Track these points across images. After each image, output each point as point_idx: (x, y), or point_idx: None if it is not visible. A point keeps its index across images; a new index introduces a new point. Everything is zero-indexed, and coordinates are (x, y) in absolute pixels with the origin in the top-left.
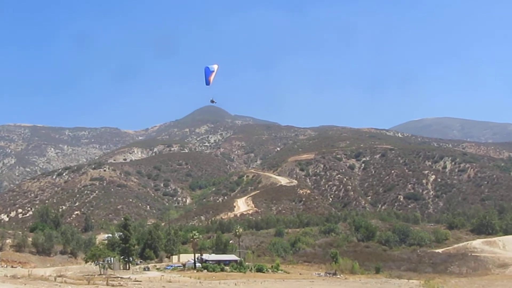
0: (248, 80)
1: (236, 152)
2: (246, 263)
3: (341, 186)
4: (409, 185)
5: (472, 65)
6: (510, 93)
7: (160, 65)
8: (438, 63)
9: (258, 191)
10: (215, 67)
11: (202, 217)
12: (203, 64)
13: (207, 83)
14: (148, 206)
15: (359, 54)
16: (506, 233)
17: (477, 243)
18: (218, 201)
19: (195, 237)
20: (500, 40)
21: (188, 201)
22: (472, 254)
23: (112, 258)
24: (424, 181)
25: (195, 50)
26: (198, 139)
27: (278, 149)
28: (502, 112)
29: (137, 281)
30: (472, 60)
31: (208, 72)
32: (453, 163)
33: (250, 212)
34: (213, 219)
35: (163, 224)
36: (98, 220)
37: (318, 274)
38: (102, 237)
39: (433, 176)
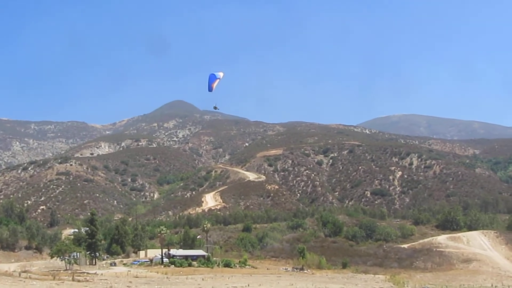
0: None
1: (205, 147)
2: (214, 258)
3: (309, 181)
4: (376, 181)
5: (437, 63)
6: (475, 91)
7: (129, 58)
8: (405, 60)
9: (226, 186)
10: (221, 74)
11: (170, 212)
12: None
13: (210, 89)
14: (115, 201)
15: (327, 50)
16: (470, 229)
17: (442, 239)
18: (186, 196)
19: (162, 232)
20: (464, 40)
21: (155, 196)
22: (437, 249)
23: (78, 253)
24: (390, 177)
25: (166, 44)
26: (166, 134)
27: (247, 144)
28: (468, 110)
29: (103, 277)
30: (437, 58)
31: (212, 78)
32: (419, 159)
33: (218, 207)
34: (181, 214)
35: (130, 219)
36: (64, 215)
37: (285, 269)
38: (68, 232)
39: (400, 172)
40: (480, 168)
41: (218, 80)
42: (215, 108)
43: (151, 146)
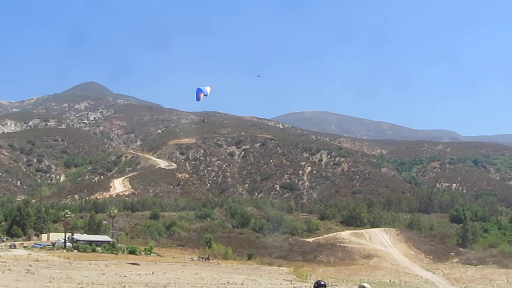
0: (135, 59)
1: (116, 131)
2: (119, 245)
3: (220, 172)
4: (286, 175)
5: (349, 63)
6: (386, 92)
7: (38, 33)
8: (321, 58)
9: (136, 173)
10: (208, 90)
11: (76, 196)
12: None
13: (197, 99)
14: (18, 182)
15: (247, 39)
16: (373, 226)
17: (346, 234)
18: (94, 180)
19: (67, 215)
20: (380, 42)
21: (62, 178)
22: (341, 244)
23: None
24: (300, 172)
25: (83, 27)
26: (77, 115)
27: (159, 131)
28: (377, 111)
29: (1, 259)
30: (350, 58)
31: (199, 92)
32: (329, 156)
33: (127, 193)
34: (87, 198)
35: (34, 201)
36: None
37: (191, 258)
38: None
39: (309, 168)
40: (386, 167)
41: (202, 94)
42: (203, 121)
43: (60, 127)
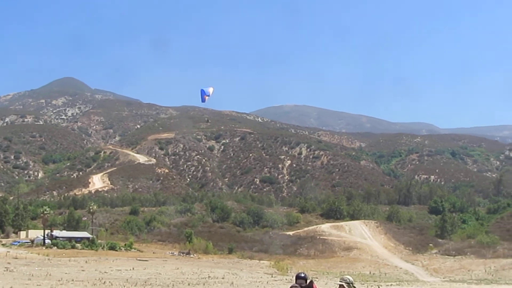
0: (109, 54)
1: (94, 127)
2: (99, 241)
3: (200, 167)
4: (266, 169)
5: (330, 57)
6: (363, 85)
7: (15, 30)
8: (298, 52)
9: (115, 168)
10: (211, 91)
11: (55, 192)
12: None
13: (203, 100)
14: None
15: (224, 33)
16: (352, 218)
17: (326, 227)
18: (72, 176)
19: (45, 212)
20: (358, 35)
21: (40, 175)
22: (321, 237)
23: None
24: (280, 165)
25: (56, 16)
26: (54, 111)
27: (138, 126)
28: (356, 104)
29: None
30: (328, 52)
31: (203, 93)
32: (308, 149)
33: (106, 189)
34: (66, 194)
35: (11, 198)
36: None
37: (171, 253)
38: None
39: (289, 161)
40: (365, 160)
41: (206, 96)
42: (207, 121)
43: (38, 123)
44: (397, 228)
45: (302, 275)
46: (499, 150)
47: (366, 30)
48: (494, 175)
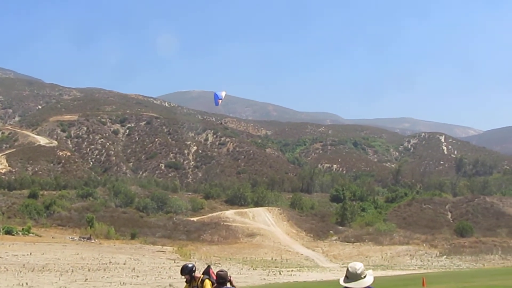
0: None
1: None
2: None
3: (104, 150)
4: (171, 154)
5: (243, 46)
6: (268, 73)
7: None
8: (213, 40)
9: (13, 150)
10: (223, 94)
11: None
12: None
13: (216, 104)
14: None
15: (139, 18)
16: (256, 205)
17: (230, 213)
18: None
19: None
20: (266, 27)
21: None
22: (224, 223)
23: None
24: (186, 151)
25: None
26: None
27: (40, 107)
28: (263, 93)
29: None
30: (241, 41)
31: (216, 97)
32: (214, 136)
33: (3, 171)
34: None
35: None
36: None
37: (72, 238)
38: None
39: (195, 147)
40: (270, 148)
41: (220, 100)
42: (220, 123)
43: None
44: (299, 215)
45: (190, 265)
46: (398, 141)
47: (267, 14)
48: (393, 166)
